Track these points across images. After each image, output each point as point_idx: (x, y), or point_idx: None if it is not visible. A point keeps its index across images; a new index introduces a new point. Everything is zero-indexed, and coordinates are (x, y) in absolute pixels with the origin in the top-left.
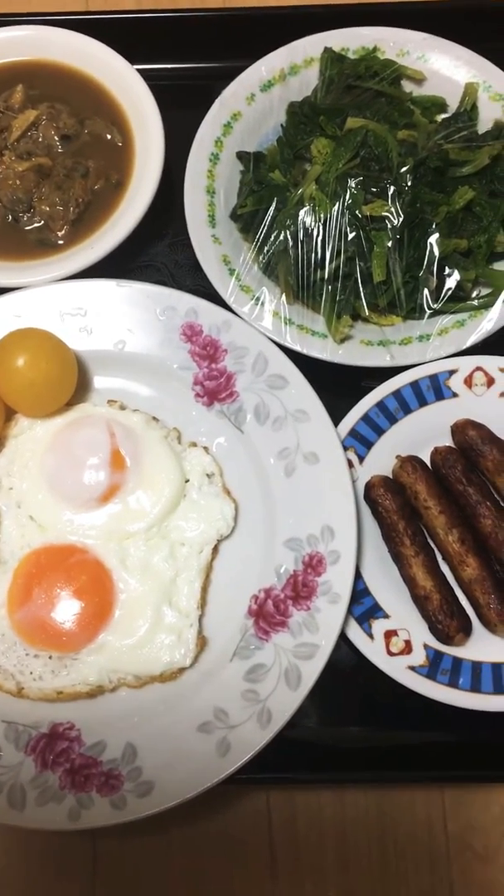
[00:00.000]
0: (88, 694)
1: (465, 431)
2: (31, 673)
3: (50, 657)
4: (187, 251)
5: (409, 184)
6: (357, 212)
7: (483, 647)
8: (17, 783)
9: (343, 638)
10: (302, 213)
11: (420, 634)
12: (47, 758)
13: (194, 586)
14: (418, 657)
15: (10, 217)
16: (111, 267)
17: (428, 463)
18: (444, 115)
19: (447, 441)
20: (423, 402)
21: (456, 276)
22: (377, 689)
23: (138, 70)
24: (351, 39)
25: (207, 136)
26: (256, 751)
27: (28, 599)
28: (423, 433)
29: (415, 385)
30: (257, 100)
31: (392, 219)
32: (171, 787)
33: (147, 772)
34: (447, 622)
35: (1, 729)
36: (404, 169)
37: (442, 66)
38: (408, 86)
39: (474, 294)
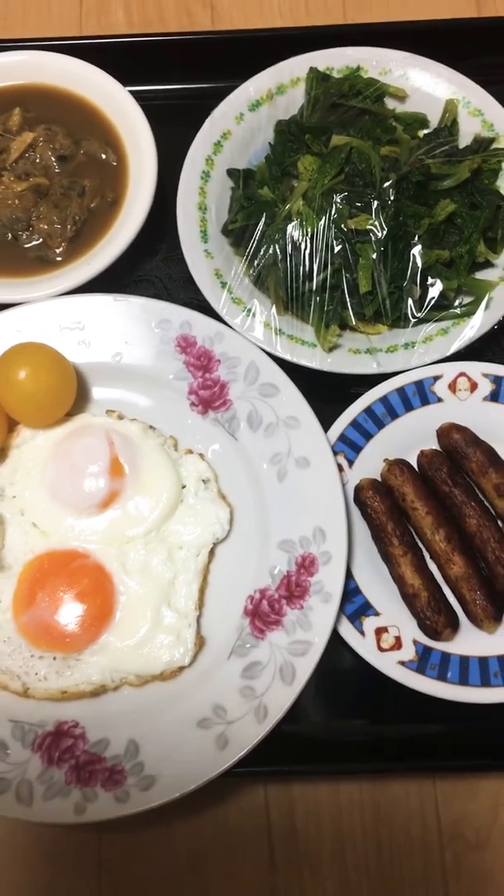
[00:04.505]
0: (92, 693)
1: (450, 435)
2: (37, 674)
3: (54, 658)
4: (180, 266)
5: (393, 198)
6: (343, 225)
7: (470, 641)
8: (25, 779)
9: (335, 635)
10: (290, 227)
11: (409, 631)
12: (53, 755)
13: (192, 588)
14: (408, 652)
15: (9, 235)
16: (107, 282)
17: (415, 466)
18: (425, 131)
19: (433, 444)
20: (409, 408)
21: (439, 285)
22: (369, 683)
23: (131, 91)
24: (335, 59)
25: (199, 155)
26: (254, 744)
27: (32, 603)
28: (409, 437)
29: (401, 391)
30: (246, 119)
31: (376, 232)
32: (172, 781)
33: (149, 766)
34: (435, 618)
35: (8, 728)
36: (387, 184)
37: (423, 84)
38: (390, 103)
39: (457, 302)
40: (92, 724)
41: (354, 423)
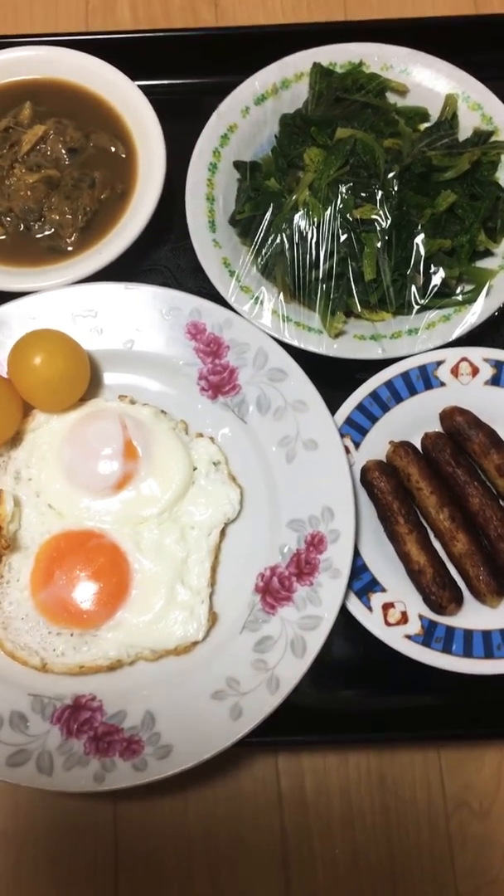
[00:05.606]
0: (108, 667)
1: (453, 417)
2: (55, 650)
3: (71, 634)
4: (189, 255)
5: (396, 189)
6: (348, 215)
7: (473, 615)
8: (45, 751)
9: (344, 611)
10: (297, 217)
11: (415, 606)
12: (72, 727)
13: (204, 566)
14: (414, 627)
15: (22, 226)
16: (118, 271)
17: (419, 447)
18: (426, 124)
19: (436, 427)
20: (413, 392)
21: (441, 273)
22: (376, 657)
23: (140, 86)
24: (338, 55)
25: (206, 148)
26: (266, 714)
27: (50, 581)
28: (413, 420)
29: (405, 375)
30: (252, 112)
31: (381, 221)
32: (188, 750)
33: (165, 736)
34: (440, 593)
35: (28, 701)
36: (391, 175)
37: (424, 79)
38: (392, 97)
39: (458, 290)
40: (109, 697)
41: (360, 407)
